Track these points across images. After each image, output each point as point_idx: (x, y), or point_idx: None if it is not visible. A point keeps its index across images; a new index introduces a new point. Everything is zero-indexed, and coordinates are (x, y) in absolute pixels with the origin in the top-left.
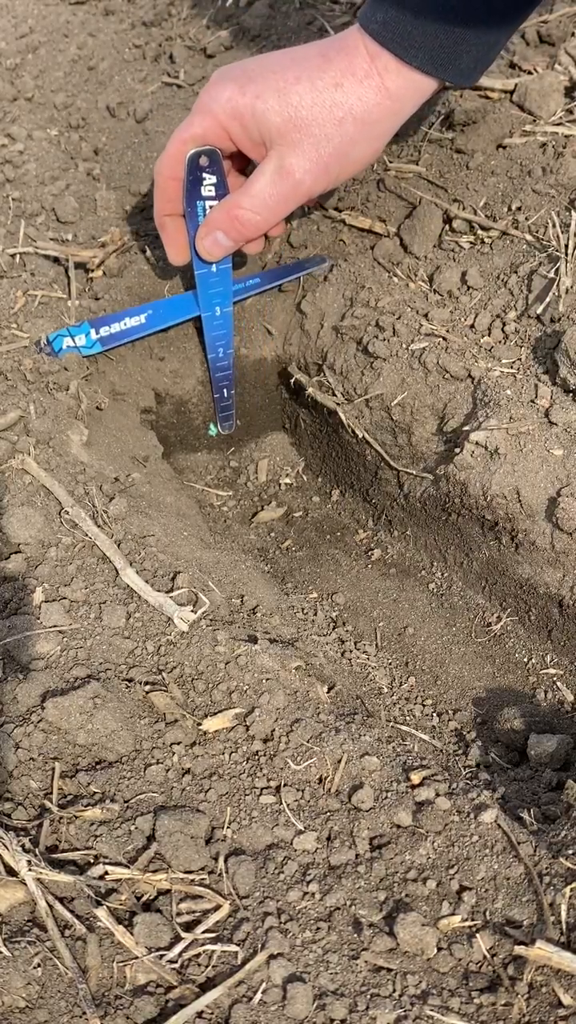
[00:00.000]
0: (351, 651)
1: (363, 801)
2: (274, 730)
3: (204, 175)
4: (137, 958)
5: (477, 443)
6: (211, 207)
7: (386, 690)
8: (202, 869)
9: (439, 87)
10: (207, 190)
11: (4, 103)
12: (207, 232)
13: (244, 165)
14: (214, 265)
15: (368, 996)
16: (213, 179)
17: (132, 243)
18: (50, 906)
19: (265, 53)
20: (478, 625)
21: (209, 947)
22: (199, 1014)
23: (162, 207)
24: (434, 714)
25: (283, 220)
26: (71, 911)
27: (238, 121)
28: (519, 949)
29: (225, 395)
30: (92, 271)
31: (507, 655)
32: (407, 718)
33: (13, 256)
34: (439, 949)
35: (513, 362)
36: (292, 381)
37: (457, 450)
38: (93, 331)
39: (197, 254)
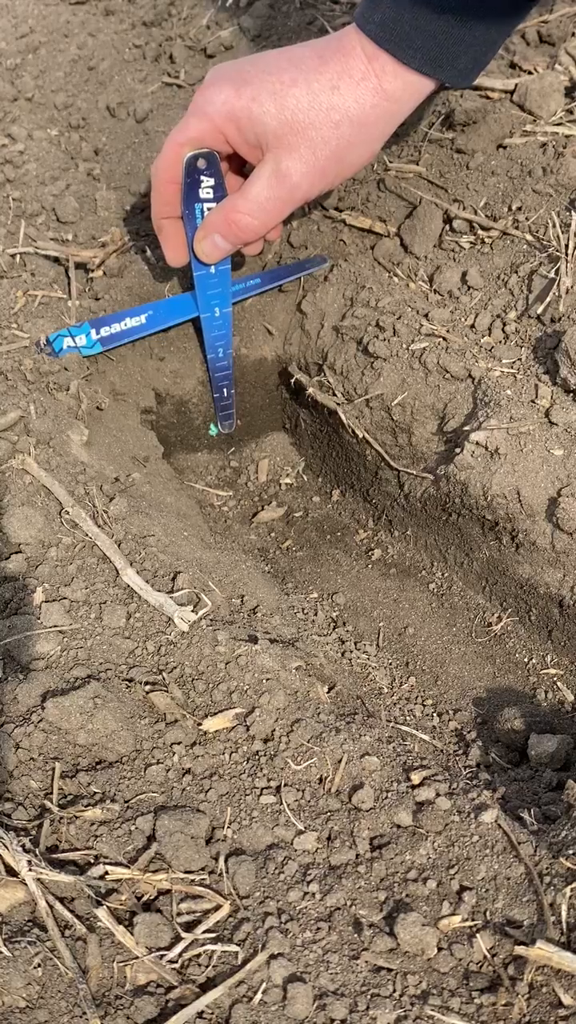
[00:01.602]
0: (351, 651)
1: (363, 801)
2: (274, 730)
3: (202, 177)
4: (137, 958)
5: (477, 443)
6: (209, 209)
7: (386, 690)
8: (202, 869)
9: (436, 88)
10: (205, 192)
11: (4, 103)
12: (205, 235)
13: (241, 165)
14: (213, 267)
15: (368, 996)
16: (211, 181)
17: (132, 243)
18: (50, 906)
19: (260, 52)
20: (478, 625)
21: (209, 947)
22: (199, 1014)
23: (159, 210)
24: (434, 714)
25: (281, 223)
26: (71, 911)
27: (234, 124)
28: (519, 949)
29: (225, 394)
30: (92, 271)
31: (507, 655)
32: (407, 718)
33: (13, 256)
34: (439, 949)
35: (513, 362)
36: (292, 381)
37: (457, 450)
38: (93, 331)
39: (195, 256)
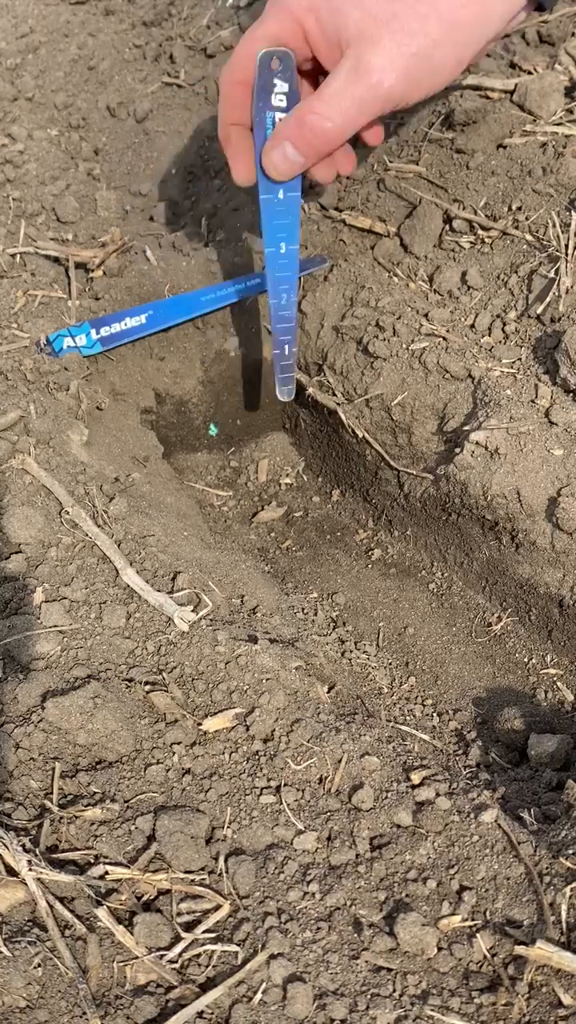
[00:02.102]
0: (351, 651)
1: (363, 801)
2: (274, 730)
3: (275, 80)
4: (137, 958)
5: (477, 443)
6: (281, 120)
7: (386, 690)
8: (202, 869)
9: (526, 6)
10: (278, 99)
11: (4, 103)
12: (274, 144)
13: (318, 76)
14: (281, 191)
15: (368, 996)
16: (284, 87)
17: (132, 243)
18: (50, 906)
19: None
20: (478, 625)
21: (209, 947)
22: (199, 1014)
23: (228, 115)
24: (434, 714)
25: (376, 127)
26: (71, 911)
27: (314, 15)
28: (519, 949)
29: (286, 352)
30: (92, 271)
31: (507, 655)
32: (407, 718)
33: (13, 256)
34: (439, 949)
35: (513, 362)
36: None
37: (457, 450)
38: (93, 331)
39: (264, 172)
